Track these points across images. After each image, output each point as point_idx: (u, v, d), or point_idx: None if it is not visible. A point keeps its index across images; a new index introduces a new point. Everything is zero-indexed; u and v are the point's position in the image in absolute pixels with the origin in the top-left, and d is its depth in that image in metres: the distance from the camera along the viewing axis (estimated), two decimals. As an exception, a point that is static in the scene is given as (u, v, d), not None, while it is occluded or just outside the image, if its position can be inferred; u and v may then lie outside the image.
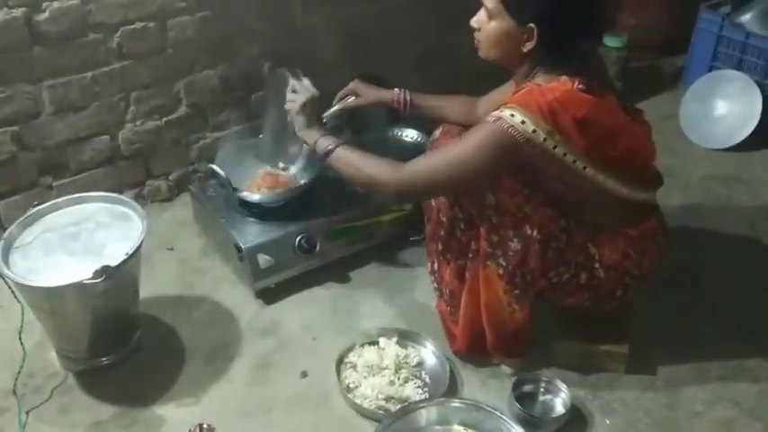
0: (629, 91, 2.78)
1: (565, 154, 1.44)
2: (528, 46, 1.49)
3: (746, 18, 2.76)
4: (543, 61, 1.50)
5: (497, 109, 1.46)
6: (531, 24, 1.46)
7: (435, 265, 1.73)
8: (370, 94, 1.92)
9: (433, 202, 1.66)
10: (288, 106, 1.74)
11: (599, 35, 1.56)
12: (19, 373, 1.67)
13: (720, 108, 2.71)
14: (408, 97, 1.89)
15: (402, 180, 1.53)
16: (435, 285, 1.77)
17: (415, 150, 2.19)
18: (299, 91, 1.73)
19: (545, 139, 1.41)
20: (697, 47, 2.84)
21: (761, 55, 2.63)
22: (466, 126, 1.86)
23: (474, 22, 1.57)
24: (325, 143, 1.64)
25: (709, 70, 2.78)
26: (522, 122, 1.41)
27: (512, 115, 1.42)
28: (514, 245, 1.54)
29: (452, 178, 1.50)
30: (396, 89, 1.92)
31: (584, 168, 1.46)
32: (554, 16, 1.45)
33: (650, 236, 1.63)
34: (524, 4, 1.47)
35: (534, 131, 1.40)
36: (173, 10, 2.06)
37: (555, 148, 1.42)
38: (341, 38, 2.41)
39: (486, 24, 1.53)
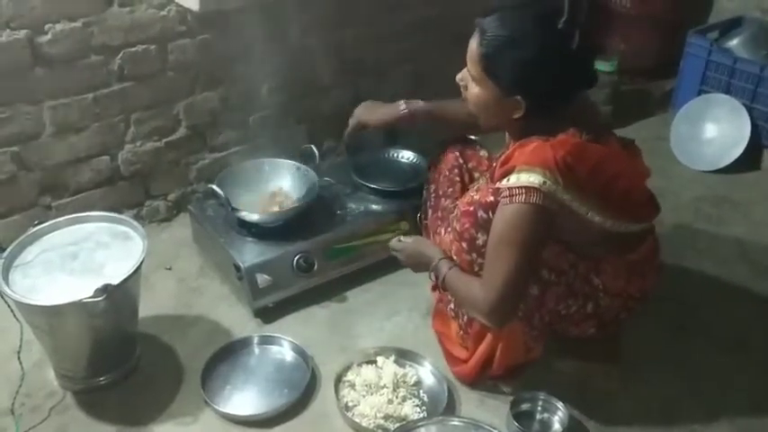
0: (620, 114, 2.83)
1: (579, 205, 1.43)
2: (517, 114, 1.47)
3: (734, 43, 2.82)
4: (537, 123, 1.47)
5: (510, 169, 1.42)
6: (518, 97, 1.44)
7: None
8: (379, 120, 1.94)
9: (450, 246, 1.65)
10: (399, 255, 1.79)
11: (591, 84, 1.50)
12: (17, 392, 1.67)
13: (710, 131, 2.76)
14: (417, 108, 1.90)
15: (487, 296, 1.49)
16: (451, 308, 1.75)
17: (412, 171, 2.24)
18: (402, 241, 1.80)
19: (563, 194, 1.40)
20: (686, 71, 2.89)
21: (749, 79, 2.68)
22: (466, 139, 1.92)
23: (459, 78, 1.55)
24: (445, 265, 1.61)
25: (698, 94, 2.83)
26: (543, 183, 1.38)
27: (530, 179, 1.39)
28: (534, 290, 1.55)
29: (519, 265, 1.45)
30: (401, 103, 1.91)
31: (596, 217, 1.46)
32: (541, 87, 1.43)
33: (649, 257, 1.64)
34: (508, 76, 1.43)
35: (555, 189, 1.39)
36: (173, 33, 2.10)
37: (571, 200, 1.42)
38: (337, 60, 2.45)
39: (473, 87, 1.51)
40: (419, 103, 1.92)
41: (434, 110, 1.92)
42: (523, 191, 1.40)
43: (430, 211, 1.92)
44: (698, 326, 1.95)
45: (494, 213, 1.49)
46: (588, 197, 1.44)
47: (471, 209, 1.56)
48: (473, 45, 1.47)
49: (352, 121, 1.99)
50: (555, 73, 1.42)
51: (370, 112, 1.96)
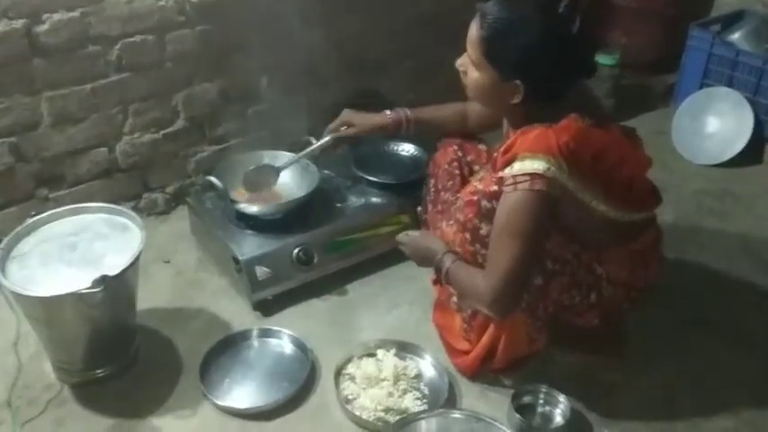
0: (621, 108, 2.81)
1: (583, 193, 1.42)
2: (516, 99, 1.46)
3: (736, 36, 2.81)
4: (537, 110, 1.46)
5: (512, 157, 1.41)
6: (517, 81, 1.43)
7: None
8: (365, 122, 1.93)
9: (453, 237, 1.62)
10: (405, 249, 1.76)
11: (590, 72, 1.50)
12: (14, 385, 1.66)
13: (712, 124, 2.74)
14: (407, 115, 1.90)
15: (490, 285, 1.48)
16: (454, 300, 1.74)
17: (412, 164, 2.22)
18: (409, 234, 1.78)
19: (567, 181, 1.39)
20: (688, 65, 2.88)
21: (751, 72, 2.67)
22: (464, 135, 1.89)
23: (459, 64, 1.54)
24: (449, 259, 1.59)
25: (701, 87, 2.82)
26: (547, 169, 1.37)
27: (534, 165, 1.37)
28: (537, 281, 1.54)
29: (523, 254, 1.44)
30: (388, 111, 1.92)
31: (601, 206, 1.45)
32: (540, 71, 1.42)
33: (652, 246, 1.63)
34: (508, 59, 1.43)
35: (559, 175, 1.38)
36: (172, 24, 2.08)
37: (575, 187, 1.41)
38: (337, 54, 2.43)
39: (472, 72, 1.50)
40: (405, 111, 1.92)
41: (421, 116, 1.92)
42: (528, 178, 1.39)
43: (430, 206, 1.91)
44: (699, 319, 1.94)
45: (497, 203, 1.48)
46: (592, 184, 1.43)
47: (475, 198, 1.54)
48: (473, 29, 1.47)
49: (337, 119, 1.98)
50: (554, 57, 1.41)
51: (357, 115, 1.96)
